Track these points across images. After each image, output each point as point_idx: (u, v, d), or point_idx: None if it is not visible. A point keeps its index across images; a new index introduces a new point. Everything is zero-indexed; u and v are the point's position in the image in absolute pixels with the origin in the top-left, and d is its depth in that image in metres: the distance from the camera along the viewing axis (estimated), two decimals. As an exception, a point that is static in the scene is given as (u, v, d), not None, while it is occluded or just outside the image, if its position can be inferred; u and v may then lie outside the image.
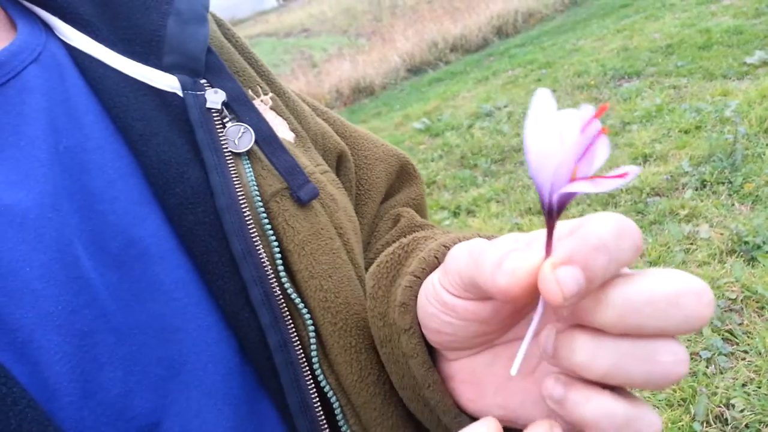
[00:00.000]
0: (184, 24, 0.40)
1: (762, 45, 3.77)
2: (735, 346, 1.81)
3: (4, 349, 0.29)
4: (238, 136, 0.39)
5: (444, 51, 6.86)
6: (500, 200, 3.11)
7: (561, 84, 4.40)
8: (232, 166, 0.37)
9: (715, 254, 2.17)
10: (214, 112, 0.38)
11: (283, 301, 0.37)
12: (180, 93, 0.38)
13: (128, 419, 0.32)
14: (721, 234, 2.27)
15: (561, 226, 0.27)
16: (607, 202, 2.72)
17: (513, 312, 0.30)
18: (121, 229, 0.34)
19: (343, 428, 0.38)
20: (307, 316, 0.38)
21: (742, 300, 1.94)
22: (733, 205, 2.43)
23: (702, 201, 2.51)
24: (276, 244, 0.38)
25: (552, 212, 0.24)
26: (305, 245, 0.38)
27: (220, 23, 0.47)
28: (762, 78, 3.34)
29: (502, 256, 0.25)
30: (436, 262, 0.34)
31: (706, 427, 1.60)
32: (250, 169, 0.38)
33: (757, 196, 2.41)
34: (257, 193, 0.38)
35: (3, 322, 0.29)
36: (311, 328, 0.38)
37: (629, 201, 2.68)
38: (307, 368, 0.37)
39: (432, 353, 0.35)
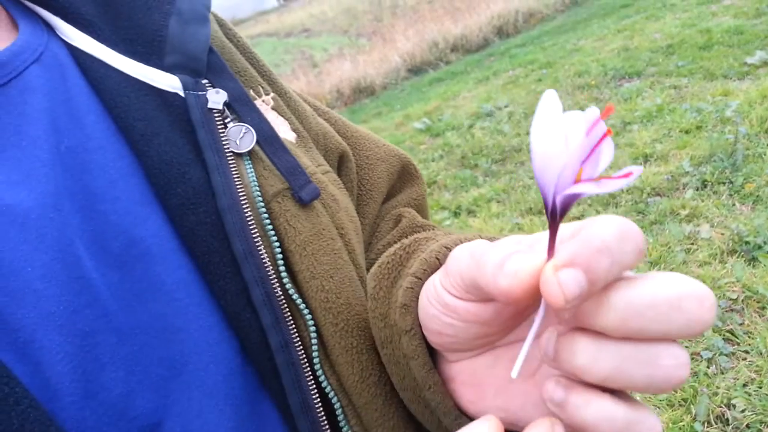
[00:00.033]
0: (186, 24, 0.40)
1: (763, 45, 3.77)
2: (736, 346, 1.80)
3: (6, 349, 0.29)
4: (240, 137, 0.39)
5: (445, 51, 6.85)
6: (501, 200, 3.11)
7: (562, 84, 4.40)
8: (234, 167, 0.37)
9: (716, 254, 2.17)
10: (215, 113, 0.38)
11: (284, 301, 0.37)
12: (181, 93, 0.38)
13: (130, 419, 0.32)
14: (722, 234, 2.26)
15: (564, 228, 0.27)
16: (608, 202, 2.72)
17: (514, 314, 0.29)
18: (123, 229, 0.34)
19: (344, 429, 0.38)
20: (309, 316, 0.38)
21: (743, 300, 1.94)
22: (733, 205, 2.43)
23: (703, 201, 2.51)
24: (277, 244, 0.38)
25: (555, 214, 0.24)
26: (307, 246, 0.38)
27: (221, 23, 0.47)
28: (763, 78, 3.34)
29: (504, 257, 0.25)
30: (437, 263, 0.34)
31: (707, 427, 1.60)
32: (252, 170, 0.38)
33: (757, 196, 2.41)
34: (259, 193, 0.38)
35: (5, 322, 0.29)
36: (312, 328, 0.38)
37: (630, 201, 2.68)
38: (309, 369, 0.37)
39: (433, 355, 0.34)
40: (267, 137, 0.40)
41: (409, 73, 6.75)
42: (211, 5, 0.43)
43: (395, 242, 0.48)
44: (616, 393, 0.25)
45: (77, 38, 0.38)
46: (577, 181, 0.23)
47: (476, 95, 4.95)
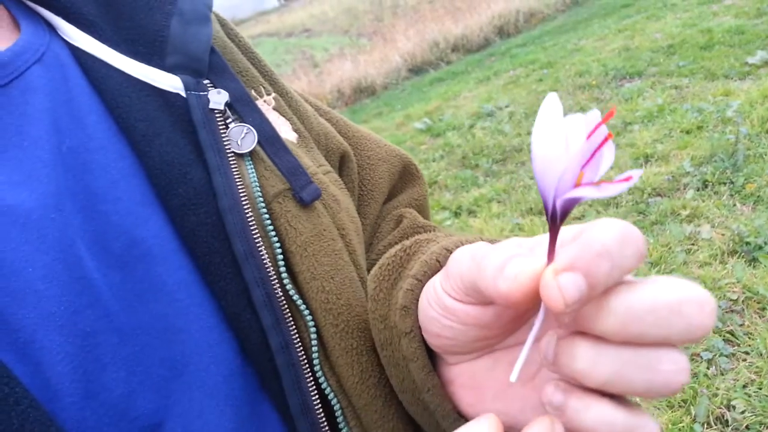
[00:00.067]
0: (187, 24, 0.40)
1: (764, 45, 3.77)
2: (736, 347, 1.80)
3: (7, 349, 0.29)
4: (241, 137, 0.39)
5: (445, 51, 6.85)
6: (501, 200, 3.11)
7: (562, 84, 4.39)
8: (235, 167, 0.37)
9: (717, 255, 2.17)
10: (217, 113, 0.38)
11: (284, 302, 0.37)
12: (183, 93, 0.38)
13: (131, 420, 0.32)
14: (723, 234, 2.26)
15: (564, 231, 0.27)
16: (609, 202, 2.72)
17: (514, 317, 0.29)
18: (124, 230, 0.34)
19: (344, 430, 0.38)
20: (309, 317, 0.38)
21: (743, 301, 1.94)
22: (734, 205, 2.43)
23: (703, 201, 2.50)
24: (278, 245, 0.38)
25: (556, 218, 0.24)
26: (307, 246, 0.38)
27: (223, 23, 0.47)
28: (764, 78, 3.34)
29: (504, 260, 0.25)
30: (438, 265, 0.34)
31: (707, 428, 1.60)
32: (253, 170, 0.38)
33: (758, 196, 2.41)
34: (260, 193, 0.38)
35: (5, 323, 0.29)
36: (313, 329, 0.38)
37: (631, 201, 2.68)
38: (309, 370, 0.37)
39: (432, 357, 0.34)
40: (268, 137, 0.40)
41: (409, 73, 6.75)
42: (213, 5, 0.43)
43: (396, 243, 0.48)
44: (615, 397, 0.25)
45: (79, 38, 0.38)
46: (577, 184, 0.23)
47: (477, 95, 4.95)
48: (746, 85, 3.36)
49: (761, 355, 1.74)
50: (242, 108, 0.40)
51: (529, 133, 3.74)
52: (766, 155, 2.63)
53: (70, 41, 0.39)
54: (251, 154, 0.39)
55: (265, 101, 0.44)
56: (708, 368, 1.76)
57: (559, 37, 5.93)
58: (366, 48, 7.94)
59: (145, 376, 0.33)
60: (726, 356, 1.78)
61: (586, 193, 0.23)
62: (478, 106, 4.56)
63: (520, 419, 0.31)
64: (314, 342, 0.38)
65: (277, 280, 0.37)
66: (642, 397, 0.24)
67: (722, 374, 1.73)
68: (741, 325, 1.86)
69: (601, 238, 0.22)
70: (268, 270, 0.36)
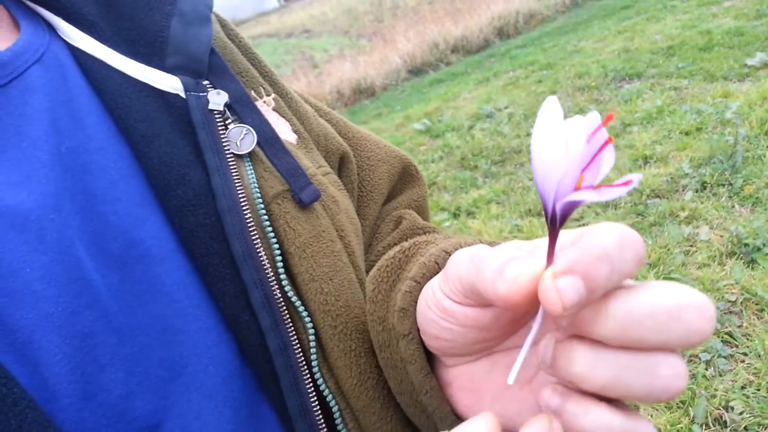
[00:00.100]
0: (188, 25, 0.40)
1: (763, 47, 3.77)
2: (734, 349, 1.80)
3: (4, 350, 0.29)
4: (240, 138, 0.39)
5: (445, 52, 6.86)
6: (500, 202, 3.11)
7: (562, 85, 4.40)
8: (234, 168, 0.37)
9: (715, 256, 2.17)
10: (216, 114, 0.38)
11: (283, 303, 0.37)
12: (182, 94, 0.38)
13: (129, 421, 0.32)
14: (721, 236, 2.26)
15: (564, 235, 0.27)
16: (607, 204, 2.72)
17: (513, 320, 0.29)
18: (123, 231, 0.34)
19: None
20: (307, 319, 0.38)
21: (741, 302, 1.94)
22: (733, 207, 2.43)
23: (702, 203, 2.51)
24: (277, 246, 0.38)
25: (555, 221, 0.24)
26: (306, 248, 0.38)
27: (223, 23, 0.47)
28: (763, 80, 3.34)
29: (503, 263, 0.25)
30: (436, 267, 0.34)
31: (705, 429, 1.60)
32: (252, 171, 0.38)
33: (757, 198, 2.41)
34: (259, 195, 0.38)
35: (3, 323, 0.29)
36: (311, 331, 0.38)
37: (629, 203, 2.68)
38: (307, 371, 0.37)
39: (430, 359, 0.34)
40: (268, 138, 0.40)
41: (409, 74, 6.75)
42: (213, 5, 0.43)
43: (395, 244, 0.48)
44: (613, 402, 0.25)
45: (79, 39, 0.38)
46: (577, 188, 0.23)
47: (476, 96, 4.95)
48: (745, 86, 3.36)
49: (759, 356, 1.74)
50: (242, 109, 0.40)
51: (528, 135, 3.74)
52: (764, 157, 2.63)
53: (69, 41, 0.39)
54: (250, 155, 0.39)
55: (265, 102, 0.44)
56: (706, 369, 1.76)
57: (558, 38, 5.94)
58: (366, 49, 7.94)
59: (144, 377, 0.33)
60: (724, 357, 1.78)
61: (586, 196, 0.23)
62: (477, 107, 4.56)
63: (518, 422, 0.31)
64: (313, 343, 0.38)
65: (275, 282, 0.37)
66: (640, 401, 0.24)
67: (721, 375, 1.73)
68: (739, 327, 1.86)
69: (601, 242, 0.22)
70: (266, 271, 0.36)
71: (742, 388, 1.67)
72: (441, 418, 0.33)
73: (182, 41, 0.39)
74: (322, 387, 0.38)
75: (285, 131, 0.44)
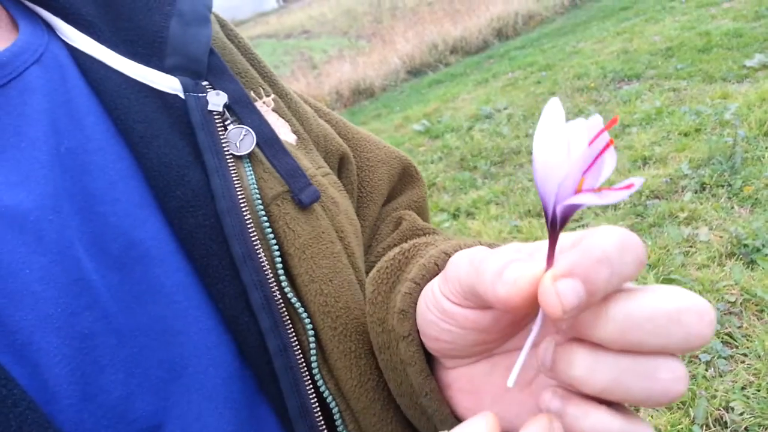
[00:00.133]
0: (187, 25, 0.40)
1: (762, 48, 3.78)
2: (734, 349, 1.81)
3: (4, 351, 0.29)
4: (240, 139, 0.39)
5: (444, 53, 6.86)
6: (500, 202, 3.11)
7: (561, 86, 4.40)
8: (233, 169, 0.37)
9: (715, 257, 2.17)
10: (215, 115, 0.38)
11: (283, 305, 0.37)
12: (181, 95, 0.38)
13: (129, 422, 0.31)
14: (721, 237, 2.27)
15: (564, 237, 0.27)
16: (606, 205, 2.72)
17: (513, 322, 0.29)
18: (122, 231, 0.34)
19: None
20: (307, 320, 0.37)
21: (741, 303, 1.94)
22: (732, 207, 2.43)
23: (701, 204, 2.51)
24: (276, 247, 0.38)
25: (555, 224, 0.24)
26: (306, 249, 0.38)
27: (223, 24, 0.47)
28: (762, 81, 3.34)
29: (503, 265, 0.25)
30: (436, 269, 0.34)
31: (706, 430, 1.60)
32: (251, 172, 0.38)
33: (756, 199, 2.42)
34: (258, 196, 0.38)
35: (3, 324, 0.29)
36: (311, 332, 0.37)
37: (629, 204, 2.68)
38: (307, 373, 0.37)
39: (430, 361, 0.34)
40: (267, 139, 0.40)
41: (408, 75, 6.76)
42: (212, 6, 0.43)
43: (395, 245, 0.48)
44: (613, 405, 0.25)
45: (78, 39, 0.38)
46: (578, 191, 0.23)
47: (475, 97, 4.96)
48: (744, 88, 3.37)
49: (759, 357, 1.74)
50: (241, 110, 0.40)
51: (527, 136, 3.74)
52: (763, 158, 2.64)
53: (68, 42, 0.39)
54: (250, 156, 0.39)
55: (264, 102, 0.44)
56: (706, 370, 1.76)
57: (557, 39, 5.94)
58: (365, 50, 7.94)
59: (144, 378, 0.32)
60: (724, 358, 1.78)
61: (587, 199, 0.23)
62: (476, 108, 4.56)
63: (517, 424, 0.31)
64: (312, 345, 0.37)
65: (275, 283, 0.37)
66: (640, 405, 0.24)
67: (721, 376, 1.73)
68: (739, 327, 1.86)
69: (601, 245, 0.22)
70: (266, 272, 0.36)
71: (743, 388, 1.68)
72: (441, 420, 0.33)
73: (181, 42, 0.39)
74: (322, 388, 0.38)
75: (284, 132, 0.44)
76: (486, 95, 4.89)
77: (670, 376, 0.23)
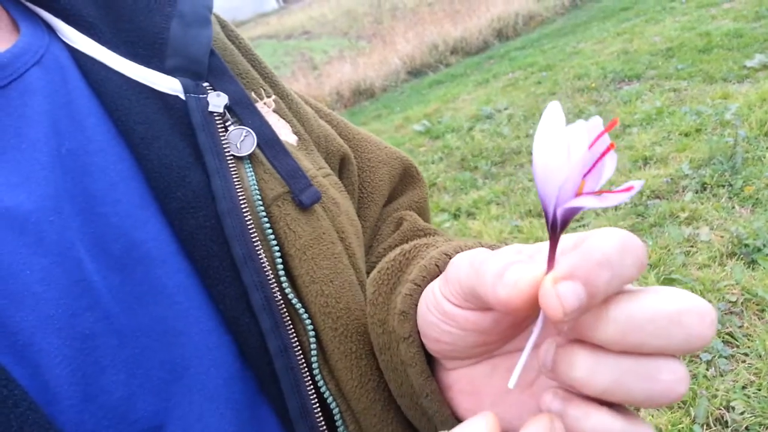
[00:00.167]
0: (187, 26, 0.40)
1: (762, 48, 3.78)
2: (735, 349, 1.80)
3: (5, 352, 0.29)
4: (240, 140, 0.39)
5: (444, 53, 6.86)
6: (500, 202, 3.11)
7: (561, 87, 4.40)
8: (234, 170, 0.37)
9: (716, 257, 2.17)
10: (216, 116, 0.38)
11: (283, 306, 0.37)
12: (182, 96, 0.38)
13: (130, 423, 0.31)
14: (722, 237, 2.27)
15: (565, 239, 0.27)
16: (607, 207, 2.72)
17: (513, 323, 0.29)
18: (123, 232, 0.34)
19: None
20: (308, 321, 0.37)
21: (742, 303, 1.94)
22: (733, 207, 2.43)
23: (702, 204, 2.51)
24: (277, 248, 0.38)
25: (556, 226, 0.24)
26: (306, 250, 0.38)
27: (223, 25, 0.47)
28: (762, 81, 3.34)
29: (503, 267, 0.25)
30: (437, 270, 0.34)
31: (707, 429, 1.60)
32: (252, 173, 0.38)
33: (757, 198, 2.41)
34: (259, 197, 0.38)
35: (3, 325, 0.29)
36: (312, 333, 0.37)
37: (629, 204, 2.68)
38: (308, 374, 0.37)
39: (431, 362, 0.34)
40: (268, 140, 0.40)
41: (408, 76, 6.76)
42: (213, 7, 0.43)
43: (396, 246, 0.48)
44: (614, 406, 0.25)
45: (78, 40, 0.38)
46: (578, 194, 0.23)
47: (476, 98, 4.96)
48: (744, 88, 3.37)
49: (760, 356, 1.74)
50: (242, 111, 0.40)
51: (527, 136, 3.74)
52: (764, 158, 2.64)
53: (69, 43, 0.39)
54: (250, 157, 0.39)
55: (265, 103, 0.44)
56: (707, 370, 1.76)
57: (557, 40, 5.94)
58: (365, 50, 7.95)
59: (145, 378, 0.32)
60: (725, 358, 1.78)
61: (587, 202, 0.23)
62: (476, 108, 4.56)
63: (517, 425, 0.31)
64: (313, 346, 0.37)
65: (276, 284, 0.37)
66: (640, 406, 0.24)
67: (721, 375, 1.73)
68: (740, 327, 1.86)
69: (602, 247, 0.22)
70: (266, 273, 0.36)
71: (743, 388, 1.67)
72: (441, 422, 0.33)
73: (182, 43, 0.39)
74: (323, 389, 0.38)
75: (285, 133, 0.44)
76: (486, 96, 4.89)
77: (671, 377, 0.23)
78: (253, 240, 0.36)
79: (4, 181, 0.32)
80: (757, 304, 1.92)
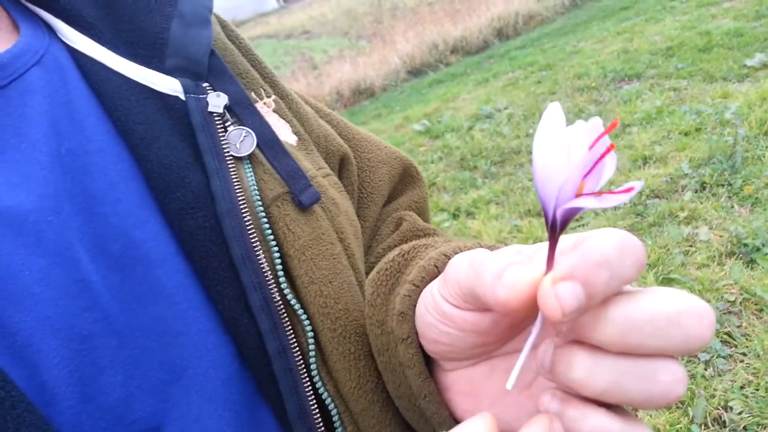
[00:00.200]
0: (188, 27, 0.40)
1: (762, 47, 3.78)
2: (733, 349, 1.81)
3: (3, 352, 0.29)
4: (240, 140, 0.39)
5: (444, 53, 6.86)
6: (500, 202, 3.11)
7: (561, 86, 4.40)
8: (234, 171, 0.37)
9: (715, 256, 2.17)
10: (216, 116, 0.38)
11: (282, 306, 0.37)
12: (182, 96, 0.38)
13: (128, 423, 0.31)
14: (721, 236, 2.27)
15: (565, 239, 0.27)
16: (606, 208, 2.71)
17: (512, 324, 0.29)
18: (123, 232, 0.34)
19: None
20: (307, 322, 0.37)
21: (740, 302, 1.94)
22: (732, 207, 2.43)
23: (701, 203, 2.51)
24: (276, 249, 0.38)
25: (555, 227, 0.24)
26: (305, 250, 0.38)
27: (224, 24, 0.47)
28: (762, 80, 3.34)
29: (502, 268, 0.25)
30: (435, 271, 0.34)
31: (705, 429, 1.60)
32: (252, 174, 0.38)
33: (756, 198, 2.42)
34: (258, 197, 0.38)
35: (2, 326, 0.29)
36: (310, 334, 0.37)
37: (629, 203, 2.68)
38: (306, 375, 0.37)
39: (429, 364, 0.34)
40: (267, 140, 0.40)
41: (408, 75, 6.75)
42: (213, 7, 0.43)
43: (395, 246, 0.48)
44: (612, 407, 0.25)
45: (78, 41, 0.38)
46: (578, 194, 0.23)
47: (476, 97, 4.96)
48: (744, 87, 3.37)
49: (758, 356, 1.74)
50: (241, 111, 0.40)
51: (527, 136, 3.74)
52: (764, 157, 2.64)
53: (69, 44, 0.39)
54: (250, 157, 0.39)
55: (265, 103, 0.44)
56: (705, 369, 1.76)
57: (557, 39, 5.94)
58: (365, 50, 7.94)
59: (143, 379, 0.32)
60: (723, 357, 1.78)
61: (587, 203, 0.23)
62: (476, 108, 4.56)
63: (516, 426, 0.31)
64: (312, 347, 0.37)
65: (274, 285, 0.37)
66: (639, 407, 0.24)
67: (720, 375, 1.73)
68: (738, 327, 1.86)
69: (601, 248, 0.22)
70: (265, 274, 0.36)
71: (741, 388, 1.68)
72: (440, 423, 0.33)
73: (182, 43, 0.39)
74: (321, 390, 0.38)
75: (285, 133, 0.44)
76: (486, 95, 4.89)
77: (669, 378, 0.23)
78: (252, 240, 0.36)
79: (4, 181, 0.32)
80: (756, 304, 1.92)
